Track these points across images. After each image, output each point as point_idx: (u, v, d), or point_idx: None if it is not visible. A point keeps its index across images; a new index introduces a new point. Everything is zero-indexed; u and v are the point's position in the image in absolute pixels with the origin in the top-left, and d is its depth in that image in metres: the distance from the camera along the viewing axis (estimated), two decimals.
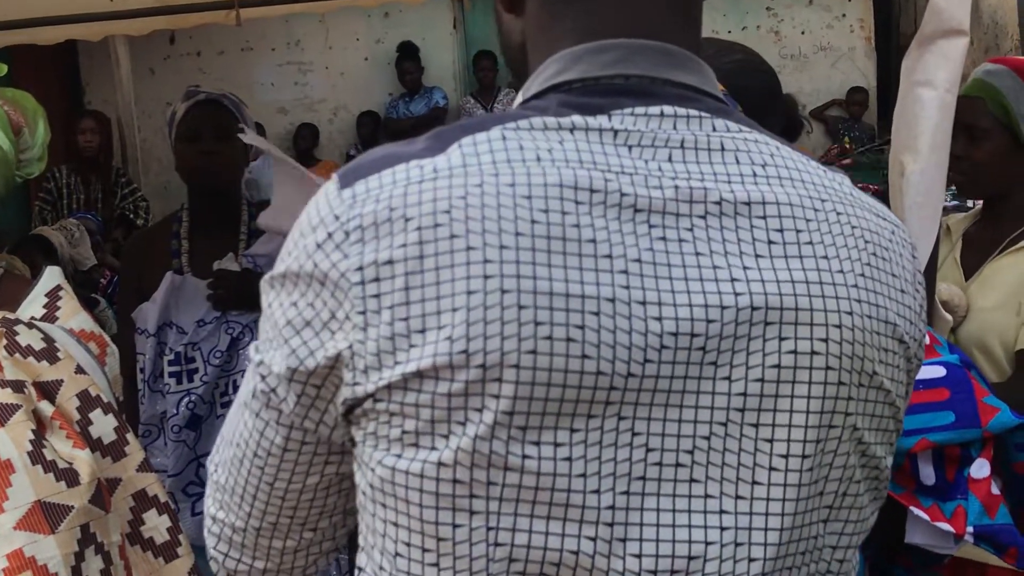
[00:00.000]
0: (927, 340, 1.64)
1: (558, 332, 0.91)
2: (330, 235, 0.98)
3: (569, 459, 0.93)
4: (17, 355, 1.66)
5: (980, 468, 1.60)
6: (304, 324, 1.00)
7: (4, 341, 1.66)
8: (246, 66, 10.45)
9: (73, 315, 1.83)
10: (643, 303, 0.93)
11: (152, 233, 3.64)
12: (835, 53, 10.74)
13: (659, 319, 0.93)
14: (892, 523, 1.62)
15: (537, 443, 0.92)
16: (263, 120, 9.18)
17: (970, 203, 3.96)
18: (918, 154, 2.30)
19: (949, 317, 2.42)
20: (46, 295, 1.84)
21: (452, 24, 10.65)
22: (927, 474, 1.62)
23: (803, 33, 10.77)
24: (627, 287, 0.93)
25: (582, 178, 0.95)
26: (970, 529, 1.56)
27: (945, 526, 1.58)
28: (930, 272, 2.34)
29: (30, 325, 1.72)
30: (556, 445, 0.92)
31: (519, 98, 1.08)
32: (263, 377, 1.04)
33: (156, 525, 1.76)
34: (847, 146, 10.10)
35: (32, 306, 1.83)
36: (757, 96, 1.80)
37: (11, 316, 1.73)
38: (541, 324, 0.91)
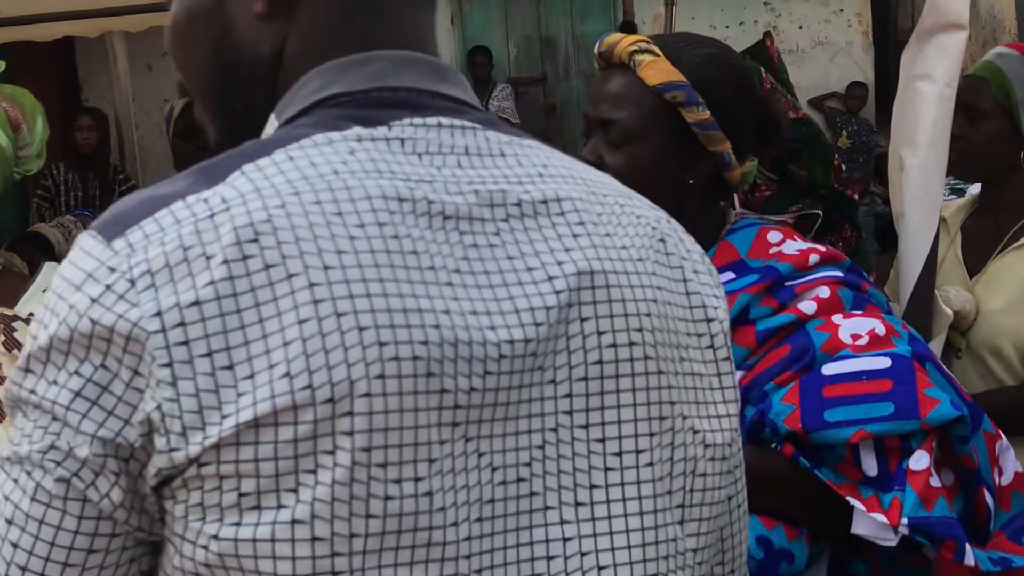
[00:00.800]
0: (882, 331, 1.67)
1: (404, 351, 0.84)
2: (108, 287, 0.84)
3: (430, 493, 0.84)
4: (15, 352, 1.66)
5: (919, 460, 1.59)
6: (101, 391, 0.84)
7: (2, 338, 1.66)
8: None
9: None
10: (475, 313, 0.88)
11: None
12: (833, 48, 10.75)
13: (493, 328, 0.88)
14: (844, 514, 1.63)
15: (399, 481, 0.83)
16: None
17: (968, 191, 3.95)
18: (917, 148, 2.30)
19: (949, 312, 2.42)
20: (44, 291, 1.84)
21: (450, 19, 10.64)
22: (869, 465, 1.62)
23: (800, 28, 10.77)
24: (456, 298, 0.88)
25: (387, 188, 0.89)
26: (904, 520, 1.55)
27: (880, 517, 1.58)
28: (930, 267, 2.34)
29: (28, 322, 1.72)
30: (416, 480, 0.84)
31: (272, 121, 0.98)
32: (56, 464, 0.84)
33: None
34: (844, 142, 10.12)
35: (31, 303, 1.82)
36: (725, 90, 1.79)
37: (9, 313, 1.73)
38: (386, 344, 0.83)
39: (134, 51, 7.66)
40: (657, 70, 1.78)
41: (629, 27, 8.58)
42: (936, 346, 2.38)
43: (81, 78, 10.52)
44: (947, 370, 1.72)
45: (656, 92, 1.77)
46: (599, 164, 1.80)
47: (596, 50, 1.86)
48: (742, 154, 1.85)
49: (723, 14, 10.49)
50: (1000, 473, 1.70)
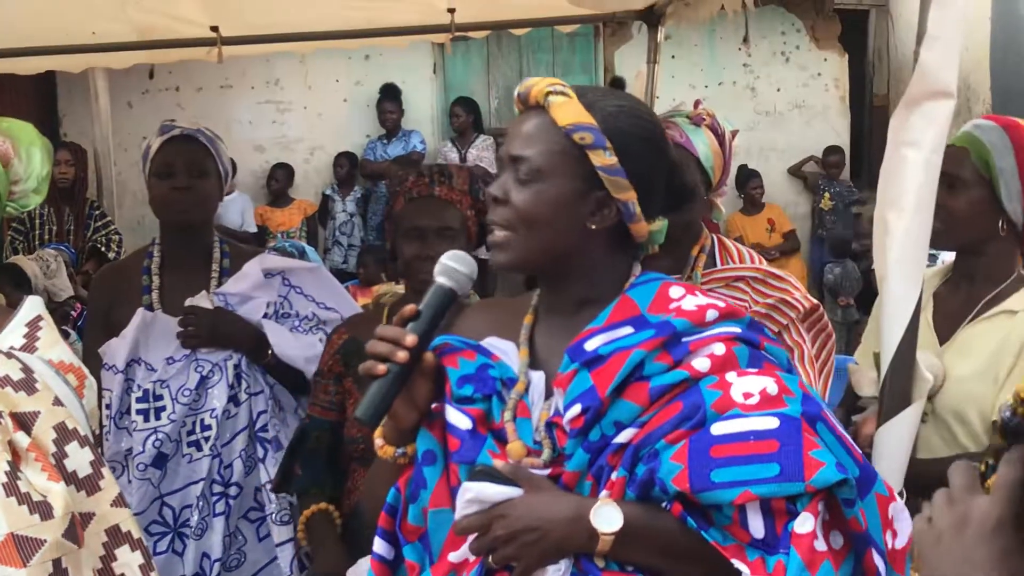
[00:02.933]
0: (775, 390, 1.67)
1: None
2: None
3: None
4: None
5: (804, 523, 1.59)
6: None
7: None
8: (224, 103, 10.45)
9: (52, 346, 1.82)
10: None
11: (122, 267, 3.59)
12: (810, 111, 10.86)
13: None
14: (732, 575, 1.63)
15: None
16: (239, 158, 9.16)
17: (940, 259, 3.98)
18: (903, 212, 2.32)
19: (930, 377, 2.43)
20: (26, 325, 1.83)
21: (432, 68, 10.70)
22: (756, 526, 1.62)
23: (778, 90, 10.89)
24: None
25: None
26: None
27: None
28: (911, 332, 2.35)
29: (8, 355, 1.70)
30: None
31: None
32: None
33: (128, 562, 1.74)
34: (826, 204, 10.20)
35: (11, 336, 1.81)
36: (633, 141, 1.81)
37: None
38: None
39: (116, 88, 7.66)
40: (568, 111, 1.79)
41: (618, 84, 8.65)
42: (915, 410, 2.38)
43: (61, 112, 10.49)
44: (841, 430, 1.72)
45: (565, 132, 1.79)
46: (504, 200, 1.82)
47: (516, 92, 1.88)
48: (650, 212, 1.85)
49: (703, 74, 10.60)
50: (894, 536, 1.70)
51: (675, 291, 1.83)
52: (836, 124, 10.85)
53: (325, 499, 2.98)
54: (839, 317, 9.05)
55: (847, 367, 2.81)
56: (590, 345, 1.77)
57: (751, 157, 10.32)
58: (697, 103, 2.88)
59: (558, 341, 1.83)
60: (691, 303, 1.80)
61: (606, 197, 1.81)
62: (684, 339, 1.75)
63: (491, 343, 1.90)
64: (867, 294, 8.79)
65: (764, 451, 1.61)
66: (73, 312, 6.24)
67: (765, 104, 10.85)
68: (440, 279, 1.86)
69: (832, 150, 10.45)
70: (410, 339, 1.78)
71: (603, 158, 1.78)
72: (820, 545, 1.59)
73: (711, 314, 1.78)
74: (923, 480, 2.59)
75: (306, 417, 3.06)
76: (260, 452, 3.20)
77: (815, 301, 2.86)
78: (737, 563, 1.61)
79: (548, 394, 1.82)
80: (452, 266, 1.86)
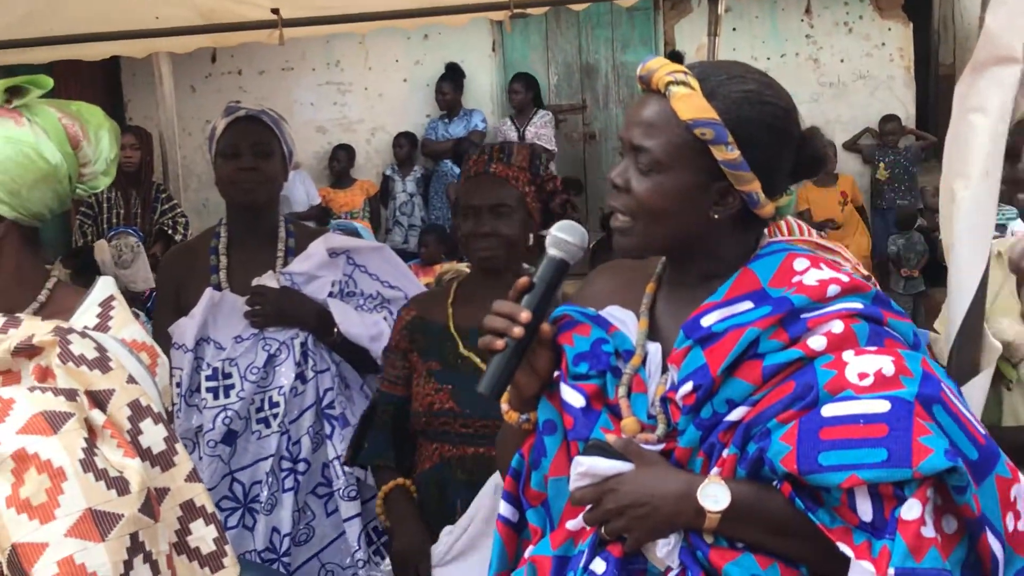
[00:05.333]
0: (891, 370, 1.63)
1: None
2: None
3: None
4: (70, 364, 1.68)
5: (910, 509, 1.57)
6: None
7: (58, 350, 1.68)
8: (286, 85, 10.53)
9: (125, 325, 1.85)
10: None
11: (190, 248, 3.66)
12: (874, 81, 10.70)
13: None
14: (842, 557, 1.61)
15: None
16: (301, 139, 9.19)
17: (1010, 230, 3.92)
18: (969, 180, 2.29)
19: (998, 344, 2.40)
20: (99, 305, 1.86)
21: (491, 47, 10.69)
22: (864, 509, 1.60)
23: (842, 61, 10.73)
24: None
25: None
26: (891, 571, 1.54)
27: (868, 565, 1.56)
28: (980, 298, 2.33)
29: (83, 334, 1.73)
30: None
31: None
32: None
33: (203, 535, 1.77)
34: (882, 174, 10.06)
35: (85, 316, 1.84)
36: (758, 129, 1.77)
37: (65, 325, 1.74)
38: None
39: (179, 72, 7.73)
40: (689, 104, 1.76)
41: (677, 58, 8.58)
42: (984, 379, 2.36)
43: (126, 97, 10.63)
44: (965, 412, 1.67)
45: (687, 127, 1.76)
46: (626, 188, 1.81)
47: (638, 72, 1.84)
48: (776, 191, 1.83)
49: (764, 46, 10.48)
50: (1016, 517, 1.66)
51: (799, 263, 1.80)
52: (901, 95, 10.68)
53: (396, 472, 3.00)
54: (902, 288, 8.95)
55: (928, 337, 2.78)
56: (706, 321, 1.76)
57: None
58: None
59: (679, 313, 1.83)
60: (813, 277, 1.77)
61: (728, 187, 1.79)
62: (803, 316, 1.72)
63: (611, 312, 1.90)
64: (935, 266, 8.67)
65: (873, 435, 1.59)
66: (143, 294, 6.32)
67: (828, 75, 10.70)
68: (551, 250, 1.87)
69: (888, 118, 10.25)
70: (524, 315, 1.80)
71: (725, 153, 1.76)
72: (928, 532, 1.56)
73: (832, 289, 1.75)
74: (1009, 448, 2.57)
75: (377, 392, 3.11)
76: (327, 429, 3.24)
77: (865, 272, 2.84)
78: (842, 546, 1.60)
79: (665, 367, 1.82)
80: (562, 237, 1.86)
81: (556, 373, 1.88)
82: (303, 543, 3.27)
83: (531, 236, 2.90)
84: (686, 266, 1.87)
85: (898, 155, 10.12)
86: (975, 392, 2.34)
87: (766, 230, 2.08)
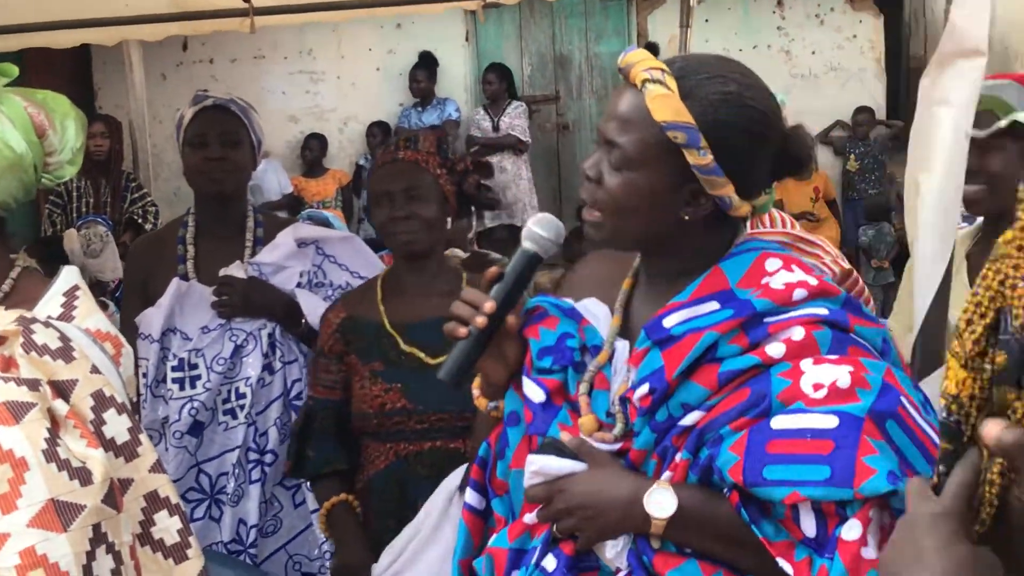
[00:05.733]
0: (846, 383, 1.59)
1: None
2: None
3: None
4: (33, 353, 1.66)
5: (851, 529, 1.54)
6: None
7: (21, 339, 1.67)
8: (258, 74, 10.48)
9: (89, 315, 1.84)
10: None
11: (158, 238, 3.63)
12: (845, 74, 10.75)
13: None
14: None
15: None
16: (273, 128, 9.18)
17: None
18: (933, 173, 2.31)
19: None
20: (63, 294, 1.85)
21: (465, 36, 10.67)
22: (808, 525, 1.58)
23: (813, 53, 10.78)
24: None
25: None
26: None
27: None
28: (943, 292, 2.34)
29: (47, 324, 1.72)
30: None
31: None
32: None
33: (167, 527, 1.76)
34: (852, 165, 10.12)
35: (49, 305, 1.83)
36: (735, 134, 1.72)
37: (28, 315, 1.73)
38: None
39: (150, 60, 7.69)
40: (664, 106, 1.70)
41: (652, 50, 8.59)
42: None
43: (96, 85, 10.56)
44: (924, 426, 1.61)
45: (661, 128, 1.71)
46: (598, 181, 1.79)
47: (618, 62, 1.80)
48: (751, 192, 1.78)
49: (737, 37, 10.51)
50: None
51: (771, 263, 1.76)
52: (872, 87, 10.74)
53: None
54: (872, 279, 9.00)
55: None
56: (668, 322, 1.73)
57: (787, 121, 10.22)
58: None
59: (651, 310, 1.79)
60: (781, 280, 1.73)
61: (700, 190, 1.74)
62: (765, 320, 1.69)
63: (586, 305, 1.89)
64: (905, 257, 8.70)
65: (818, 451, 1.56)
66: (111, 283, 6.29)
67: (800, 67, 10.74)
68: (525, 243, 1.86)
69: (861, 110, 10.31)
70: (489, 304, 1.80)
71: (697, 158, 1.70)
72: (868, 553, 1.53)
73: (799, 293, 1.70)
74: None
75: (310, 399, 3.03)
76: (294, 419, 3.22)
77: (848, 266, 2.84)
78: (782, 562, 1.59)
79: None
80: (537, 231, 1.86)
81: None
82: (270, 534, 3.26)
83: (449, 220, 2.90)
84: (659, 263, 1.84)
85: (868, 146, 10.18)
86: (938, 384, 2.35)
87: (748, 222, 2.06)
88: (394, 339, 2.88)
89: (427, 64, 10.17)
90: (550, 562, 1.75)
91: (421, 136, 2.94)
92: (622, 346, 1.82)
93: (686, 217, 1.76)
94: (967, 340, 1.09)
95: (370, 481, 2.90)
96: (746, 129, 1.73)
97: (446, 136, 3.01)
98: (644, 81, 1.72)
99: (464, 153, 3.01)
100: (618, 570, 1.72)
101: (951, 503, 1.10)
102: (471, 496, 1.96)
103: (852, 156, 10.17)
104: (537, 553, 1.77)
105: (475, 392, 1.96)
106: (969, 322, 1.09)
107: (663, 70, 1.73)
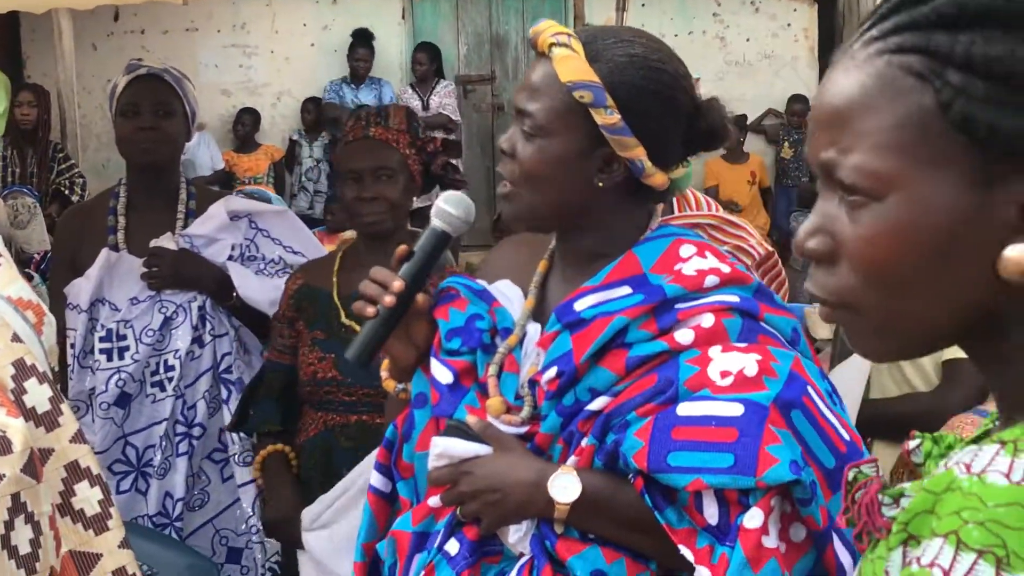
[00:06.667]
0: (753, 371, 1.59)
1: None
2: None
3: None
4: None
5: (752, 518, 1.54)
6: None
7: None
8: (190, 46, 10.35)
9: (11, 283, 1.81)
10: None
11: (88, 208, 3.59)
12: (778, 61, 10.85)
13: None
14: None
15: None
16: (205, 101, 9.01)
17: None
18: None
19: None
20: None
21: (401, 14, 10.62)
22: (711, 512, 1.58)
23: (748, 40, 10.86)
24: None
25: None
26: None
27: (706, 571, 1.55)
28: None
29: None
30: None
31: None
32: None
33: (87, 497, 1.74)
34: (786, 152, 10.22)
35: None
36: (643, 95, 1.72)
37: None
38: None
39: (80, 30, 7.58)
40: (569, 67, 1.71)
41: None
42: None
43: (24, 54, 10.36)
44: (830, 417, 1.62)
45: (567, 89, 1.71)
46: (511, 154, 1.78)
47: (528, 35, 1.79)
48: (668, 160, 1.78)
49: (672, 23, 10.57)
50: None
51: (685, 250, 1.75)
52: (805, 75, 10.84)
53: (280, 437, 3.00)
54: (801, 265, 9.10)
55: (804, 312, 2.84)
56: (579, 305, 1.72)
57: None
58: None
59: (565, 293, 1.78)
60: (693, 267, 1.72)
61: (612, 154, 1.73)
62: (676, 306, 1.68)
63: (500, 288, 1.87)
64: None
65: (722, 439, 1.55)
66: (36, 255, 6.20)
67: (734, 54, 10.83)
68: (434, 221, 1.84)
69: (796, 98, 10.42)
70: (397, 284, 1.77)
71: (605, 117, 1.70)
72: (769, 542, 1.54)
73: (710, 280, 1.69)
74: (876, 420, 2.64)
75: (265, 360, 3.10)
76: (224, 393, 3.21)
77: (770, 248, 2.88)
78: (684, 549, 1.58)
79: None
80: (446, 209, 1.83)
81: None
82: (197, 508, 3.24)
83: (414, 200, 2.90)
84: (575, 243, 1.83)
85: (802, 134, 10.28)
86: (858, 366, 2.39)
87: (675, 204, 2.04)
88: (338, 310, 2.90)
89: (366, 42, 10.10)
90: (453, 546, 1.75)
91: (392, 111, 2.92)
92: (533, 329, 1.81)
93: (600, 184, 1.75)
94: None
95: (302, 447, 2.94)
96: (654, 92, 1.73)
97: (415, 113, 2.99)
98: (551, 45, 1.73)
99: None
100: (521, 555, 1.72)
101: None
102: (376, 479, 1.93)
103: (786, 143, 10.27)
104: (440, 537, 1.76)
105: (383, 374, 1.93)
106: None
107: (569, 35, 1.74)
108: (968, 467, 0.84)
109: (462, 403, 1.79)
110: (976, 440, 0.96)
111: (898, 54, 0.93)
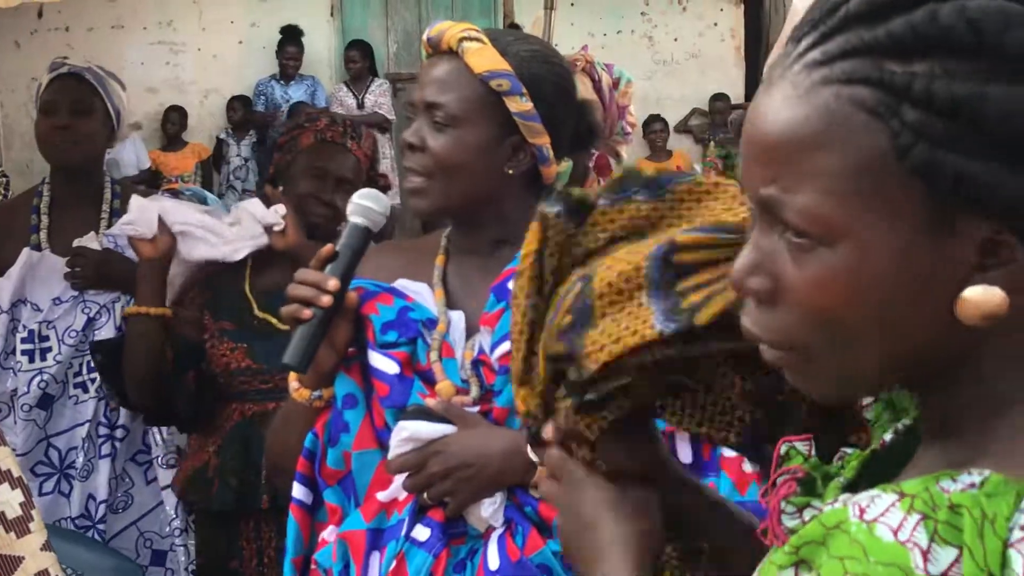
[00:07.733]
0: None
1: None
2: None
3: None
4: None
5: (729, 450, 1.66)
6: None
7: None
8: (116, 44, 10.22)
9: None
10: None
11: (10, 207, 3.58)
12: (705, 60, 10.96)
13: None
14: None
15: None
16: (131, 100, 8.95)
17: None
18: None
19: None
20: None
21: (330, 11, 10.58)
22: (685, 453, 1.67)
23: (675, 40, 10.96)
24: None
25: None
26: None
27: None
28: None
29: None
30: None
31: None
32: None
33: (8, 500, 1.74)
34: (711, 152, 10.32)
35: None
36: (547, 86, 1.84)
37: None
38: None
39: (3, 27, 7.48)
40: (484, 57, 1.80)
41: (514, 28, 8.63)
42: None
43: None
44: None
45: (482, 79, 1.80)
46: (421, 147, 1.83)
47: (425, 36, 1.87)
48: (560, 153, 1.88)
49: (602, 22, 10.62)
50: None
51: None
52: (731, 74, 10.96)
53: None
54: None
55: None
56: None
57: (648, 107, 10.38)
58: (584, 48, 2.92)
59: (474, 281, 1.86)
60: None
61: (521, 142, 1.83)
62: None
63: (403, 285, 1.90)
64: None
65: None
66: None
67: (662, 53, 10.91)
68: (353, 218, 1.85)
69: (717, 97, 10.52)
70: (332, 283, 1.77)
71: (520, 104, 1.80)
72: (748, 467, 1.63)
73: None
74: None
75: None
76: None
77: None
78: None
79: (469, 333, 1.84)
80: (365, 204, 1.85)
81: (351, 349, 1.86)
82: (120, 511, 3.22)
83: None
84: (475, 233, 1.89)
85: (725, 132, 10.40)
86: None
87: None
88: (250, 304, 2.90)
89: (295, 39, 10.03)
90: (422, 532, 1.77)
91: (364, 133, 2.95)
92: (456, 316, 1.85)
93: (510, 171, 1.84)
94: (516, 360, 1.16)
95: (222, 442, 2.89)
96: (555, 83, 1.86)
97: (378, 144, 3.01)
98: (461, 40, 1.81)
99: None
100: (490, 530, 1.76)
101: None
102: (299, 490, 1.91)
103: (713, 142, 10.37)
104: (405, 526, 1.77)
105: (293, 385, 1.91)
106: (515, 344, 1.16)
107: (477, 31, 1.84)
108: (862, 512, 0.82)
109: (413, 392, 1.81)
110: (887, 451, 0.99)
111: (847, 85, 0.84)
